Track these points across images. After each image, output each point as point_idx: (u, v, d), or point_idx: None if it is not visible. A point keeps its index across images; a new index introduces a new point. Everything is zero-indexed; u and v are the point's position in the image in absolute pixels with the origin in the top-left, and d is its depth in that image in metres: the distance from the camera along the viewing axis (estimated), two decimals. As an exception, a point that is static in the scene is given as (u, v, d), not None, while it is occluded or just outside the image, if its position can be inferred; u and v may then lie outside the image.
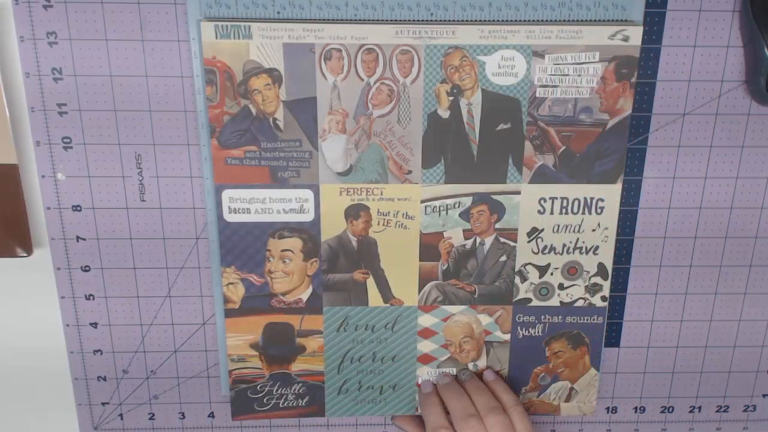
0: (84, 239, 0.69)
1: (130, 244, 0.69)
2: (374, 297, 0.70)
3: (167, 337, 0.73)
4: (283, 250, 0.68)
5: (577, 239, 0.69)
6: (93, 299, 0.71)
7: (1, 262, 0.70)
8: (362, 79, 0.63)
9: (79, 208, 0.68)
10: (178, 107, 0.65)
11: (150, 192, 0.68)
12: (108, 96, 0.65)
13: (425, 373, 0.73)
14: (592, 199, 0.67)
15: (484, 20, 0.63)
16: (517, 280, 0.70)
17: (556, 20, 0.63)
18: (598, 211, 0.68)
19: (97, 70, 0.64)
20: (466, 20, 0.63)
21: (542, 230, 0.69)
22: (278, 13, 0.62)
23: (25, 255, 0.69)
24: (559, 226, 0.68)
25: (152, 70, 0.64)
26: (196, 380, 0.75)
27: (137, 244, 0.69)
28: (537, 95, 0.64)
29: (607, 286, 0.71)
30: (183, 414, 0.76)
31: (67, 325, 0.72)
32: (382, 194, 0.67)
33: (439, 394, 0.70)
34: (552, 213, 0.68)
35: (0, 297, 0.71)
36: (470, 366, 0.73)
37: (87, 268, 0.70)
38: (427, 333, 0.72)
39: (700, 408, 0.78)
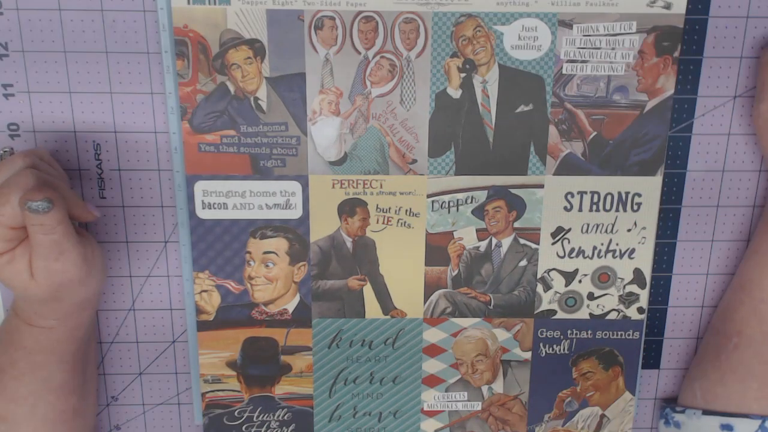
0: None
1: (88, 249, 0.69)
2: (372, 308, 0.69)
3: (131, 357, 0.72)
4: (265, 253, 0.67)
5: (610, 241, 0.68)
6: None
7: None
8: (359, 53, 0.62)
9: (28, 207, 0.67)
10: (144, 89, 0.64)
11: (111, 188, 0.67)
12: (62, 74, 0.64)
13: (432, 398, 0.72)
14: (627, 193, 0.67)
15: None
16: (540, 288, 0.70)
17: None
18: (635, 207, 0.67)
19: (49, 45, 0.63)
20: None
21: (569, 230, 0.68)
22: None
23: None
24: (588, 225, 0.68)
25: (113, 45, 0.63)
26: (165, 407, 0.74)
27: (96, 248, 0.69)
28: (563, 72, 0.64)
29: (644, 296, 0.70)
30: (149, 446, 0.75)
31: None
32: (381, 187, 0.66)
33: None
34: (581, 210, 0.67)
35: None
36: (485, 390, 0.72)
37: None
38: (433, 350, 0.71)
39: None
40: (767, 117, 0.63)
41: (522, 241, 0.68)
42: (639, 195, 0.67)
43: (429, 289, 0.69)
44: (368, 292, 0.69)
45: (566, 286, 0.69)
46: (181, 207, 0.67)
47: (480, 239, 0.68)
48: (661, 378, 0.75)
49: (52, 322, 0.61)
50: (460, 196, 0.66)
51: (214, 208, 0.65)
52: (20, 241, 0.57)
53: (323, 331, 0.70)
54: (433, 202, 0.66)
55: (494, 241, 0.68)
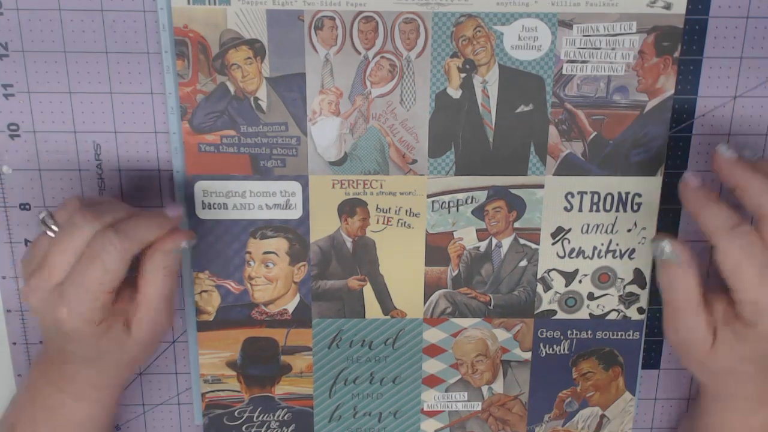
0: (34, 243, 0.68)
1: (87, 250, 0.69)
2: (372, 308, 0.69)
3: (131, 356, 0.72)
4: (265, 253, 0.67)
5: (610, 241, 0.68)
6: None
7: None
8: (359, 53, 0.62)
9: (27, 207, 0.66)
10: (144, 89, 0.64)
11: (111, 188, 0.66)
12: (62, 74, 0.63)
13: (432, 398, 0.72)
14: (627, 194, 0.66)
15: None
16: (540, 288, 0.69)
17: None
18: (635, 208, 0.67)
19: (49, 45, 0.62)
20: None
21: (569, 230, 0.67)
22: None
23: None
24: (588, 225, 0.67)
25: (113, 45, 0.62)
26: (165, 407, 0.73)
27: (96, 249, 0.68)
28: (563, 72, 0.63)
29: (645, 296, 0.69)
30: (149, 447, 0.76)
31: (14, 343, 0.70)
32: (381, 187, 0.66)
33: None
34: (581, 210, 0.67)
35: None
36: (485, 390, 0.72)
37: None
38: (433, 350, 0.70)
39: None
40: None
41: (522, 241, 0.67)
42: (639, 195, 0.66)
43: (429, 289, 0.68)
44: (368, 292, 0.68)
45: (566, 286, 0.69)
46: (180, 207, 0.67)
47: (480, 239, 0.67)
48: (661, 378, 0.74)
49: (103, 394, 0.61)
50: (460, 196, 0.66)
51: (214, 209, 0.65)
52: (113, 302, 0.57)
53: (323, 331, 0.69)
54: (433, 202, 0.66)
55: (494, 241, 0.67)
